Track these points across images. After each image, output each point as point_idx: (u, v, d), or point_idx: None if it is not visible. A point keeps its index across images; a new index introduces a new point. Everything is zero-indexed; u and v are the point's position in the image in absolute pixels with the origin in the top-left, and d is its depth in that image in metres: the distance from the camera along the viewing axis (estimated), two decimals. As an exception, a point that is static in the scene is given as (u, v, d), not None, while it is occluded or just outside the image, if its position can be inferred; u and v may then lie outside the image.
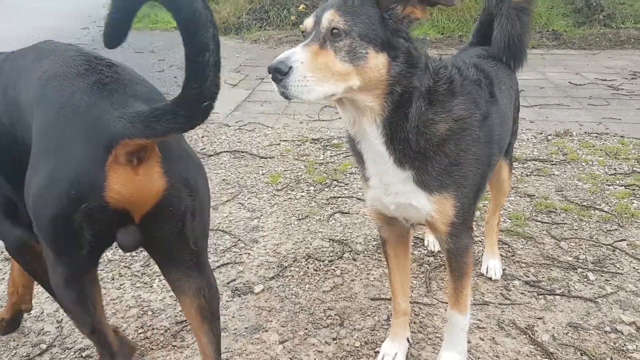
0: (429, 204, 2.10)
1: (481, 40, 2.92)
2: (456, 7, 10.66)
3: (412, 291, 3.06)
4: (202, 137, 5.48)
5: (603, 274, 3.19)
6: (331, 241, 3.61)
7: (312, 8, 11.64)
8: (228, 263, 3.38)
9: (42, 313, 2.95)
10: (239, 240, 3.63)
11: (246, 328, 2.82)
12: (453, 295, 2.38)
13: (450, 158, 2.05)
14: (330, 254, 3.46)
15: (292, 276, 3.25)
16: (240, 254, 3.48)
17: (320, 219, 3.90)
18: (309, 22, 1.91)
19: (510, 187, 3.19)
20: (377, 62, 1.83)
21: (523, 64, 2.83)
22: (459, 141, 2.05)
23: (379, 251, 3.46)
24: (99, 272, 3.26)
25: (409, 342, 2.65)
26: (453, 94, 2.04)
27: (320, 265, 3.34)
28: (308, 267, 3.33)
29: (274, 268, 3.33)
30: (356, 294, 3.08)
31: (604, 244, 3.49)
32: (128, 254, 3.46)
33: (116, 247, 3.51)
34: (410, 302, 2.95)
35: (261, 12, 11.93)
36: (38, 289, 3.14)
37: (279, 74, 1.75)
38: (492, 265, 3.20)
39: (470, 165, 2.10)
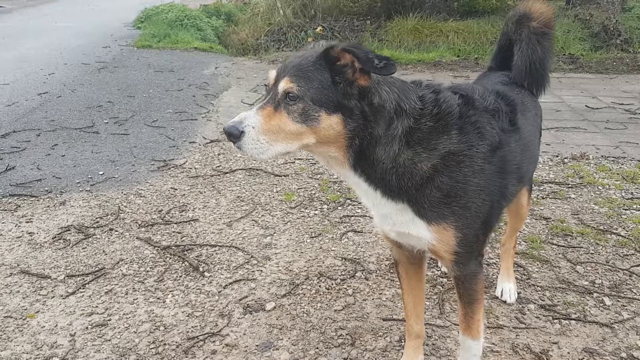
0: (429, 234, 2.10)
1: (500, 65, 2.90)
2: (472, 31, 10.74)
3: (425, 312, 3.03)
4: (218, 154, 5.53)
5: (619, 299, 3.13)
6: (344, 260, 3.60)
7: (329, 30, 11.79)
8: (240, 280, 3.38)
9: (55, 326, 2.97)
10: (251, 257, 3.64)
11: (257, 346, 2.81)
12: (464, 321, 2.36)
13: (443, 191, 2.04)
14: (343, 273, 3.45)
15: (304, 294, 3.24)
16: (253, 271, 3.48)
17: (333, 237, 3.91)
18: (271, 76, 2.02)
19: (528, 212, 3.15)
20: (330, 122, 1.91)
21: (546, 89, 2.80)
22: (454, 174, 2.03)
23: (391, 271, 3.44)
24: (112, 286, 3.31)
25: None
26: (442, 130, 2.03)
27: (332, 284, 3.33)
28: (320, 286, 3.32)
29: (286, 286, 3.32)
30: (368, 313, 3.06)
31: (620, 269, 3.44)
32: (142, 268, 3.49)
33: (131, 262, 3.56)
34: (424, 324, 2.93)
35: (279, 33, 12.11)
36: (52, 302, 3.18)
37: (232, 137, 1.91)
38: (507, 288, 3.16)
39: (473, 197, 2.07)
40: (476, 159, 2.07)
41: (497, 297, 3.16)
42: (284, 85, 1.91)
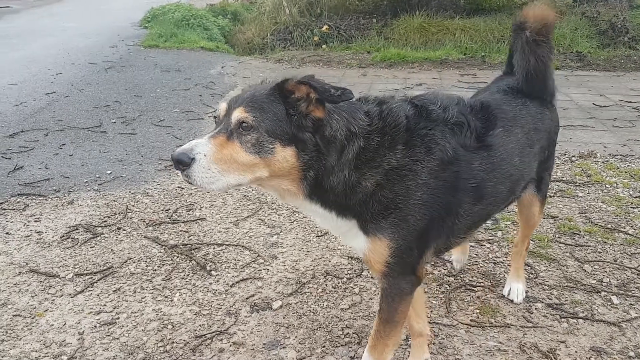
0: (365, 244, 2.10)
1: (512, 70, 2.81)
2: (479, 29, 10.70)
3: (431, 311, 3.04)
4: (225, 154, 5.54)
5: (627, 298, 3.12)
6: (350, 258, 3.61)
7: (335, 29, 11.78)
8: (247, 278, 3.40)
9: (64, 325, 2.99)
10: (258, 255, 3.65)
11: (264, 344, 2.82)
12: (373, 337, 2.29)
13: (383, 204, 2.03)
14: (349, 272, 3.46)
15: (311, 293, 3.25)
16: (260, 270, 3.49)
17: (339, 236, 3.91)
18: (222, 109, 1.98)
19: (540, 220, 3.11)
20: (285, 154, 1.89)
21: (549, 97, 2.71)
22: (396, 187, 2.02)
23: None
24: (120, 285, 3.32)
25: None
26: (388, 145, 2.02)
27: (338, 283, 3.34)
28: (326, 284, 3.33)
29: (292, 284, 3.33)
30: (375, 312, 3.06)
31: (628, 268, 3.42)
32: (149, 267, 3.51)
33: (139, 261, 3.56)
34: (430, 323, 2.93)
35: (285, 32, 12.12)
36: (68, 300, 3.19)
37: (182, 164, 1.82)
38: (515, 288, 3.14)
39: (412, 210, 2.04)
40: (420, 173, 2.04)
41: (505, 296, 3.15)
42: (238, 114, 1.87)
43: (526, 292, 3.17)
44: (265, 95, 1.93)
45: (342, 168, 1.97)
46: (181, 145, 1.91)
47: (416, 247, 2.14)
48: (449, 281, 3.34)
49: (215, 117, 2.02)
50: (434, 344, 2.79)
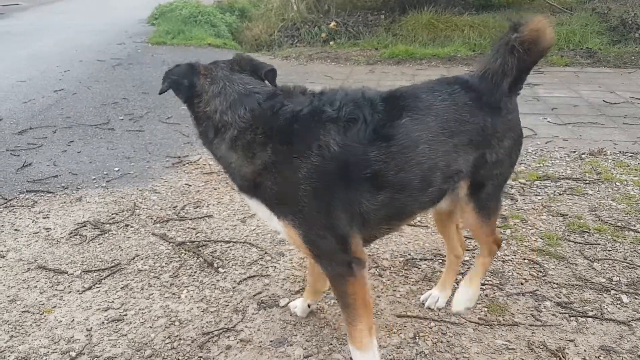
0: (281, 228, 2.24)
1: None
2: (488, 25, 10.63)
3: (438, 310, 3.02)
4: (232, 151, 5.54)
5: (637, 297, 3.09)
6: (358, 257, 3.59)
7: (343, 25, 11.75)
8: (255, 276, 3.39)
9: (72, 321, 3.00)
10: (265, 253, 3.65)
11: (271, 341, 2.82)
12: (346, 326, 2.33)
13: (273, 193, 2.19)
14: (357, 270, 3.44)
15: (318, 291, 3.24)
16: (267, 267, 3.49)
17: (347, 234, 3.89)
18: None
19: (483, 234, 2.76)
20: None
21: (494, 104, 2.47)
22: (278, 179, 2.17)
23: (405, 267, 3.43)
24: (128, 281, 3.34)
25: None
26: (260, 142, 2.18)
27: (346, 281, 3.33)
28: (334, 282, 3.32)
29: (299, 282, 3.33)
30: (382, 310, 3.06)
31: (638, 266, 3.39)
32: (157, 264, 3.52)
33: (147, 258, 3.57)
34: (437, 321, 2.92)
35: (293, 29, 12.10)
36: (78, 296, 3.20)
37: None
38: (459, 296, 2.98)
39: (302, 201, 2.15)
40: (300, 168, 2.13)
41: (513, 294, 3.13)
42: None
43: (535, 291, 3.14)
44: None
45: (220, 142, 2.25)
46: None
47: (329, 235, 2.20)
48: (456, 279, 3.32)
49: None
50: (441, 342, 2.78)
